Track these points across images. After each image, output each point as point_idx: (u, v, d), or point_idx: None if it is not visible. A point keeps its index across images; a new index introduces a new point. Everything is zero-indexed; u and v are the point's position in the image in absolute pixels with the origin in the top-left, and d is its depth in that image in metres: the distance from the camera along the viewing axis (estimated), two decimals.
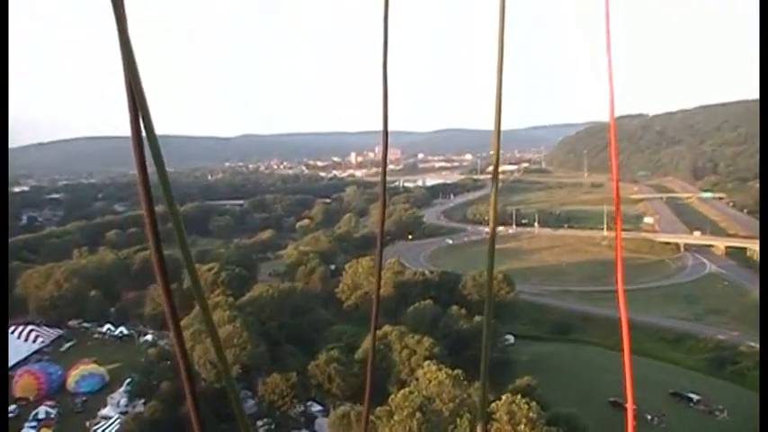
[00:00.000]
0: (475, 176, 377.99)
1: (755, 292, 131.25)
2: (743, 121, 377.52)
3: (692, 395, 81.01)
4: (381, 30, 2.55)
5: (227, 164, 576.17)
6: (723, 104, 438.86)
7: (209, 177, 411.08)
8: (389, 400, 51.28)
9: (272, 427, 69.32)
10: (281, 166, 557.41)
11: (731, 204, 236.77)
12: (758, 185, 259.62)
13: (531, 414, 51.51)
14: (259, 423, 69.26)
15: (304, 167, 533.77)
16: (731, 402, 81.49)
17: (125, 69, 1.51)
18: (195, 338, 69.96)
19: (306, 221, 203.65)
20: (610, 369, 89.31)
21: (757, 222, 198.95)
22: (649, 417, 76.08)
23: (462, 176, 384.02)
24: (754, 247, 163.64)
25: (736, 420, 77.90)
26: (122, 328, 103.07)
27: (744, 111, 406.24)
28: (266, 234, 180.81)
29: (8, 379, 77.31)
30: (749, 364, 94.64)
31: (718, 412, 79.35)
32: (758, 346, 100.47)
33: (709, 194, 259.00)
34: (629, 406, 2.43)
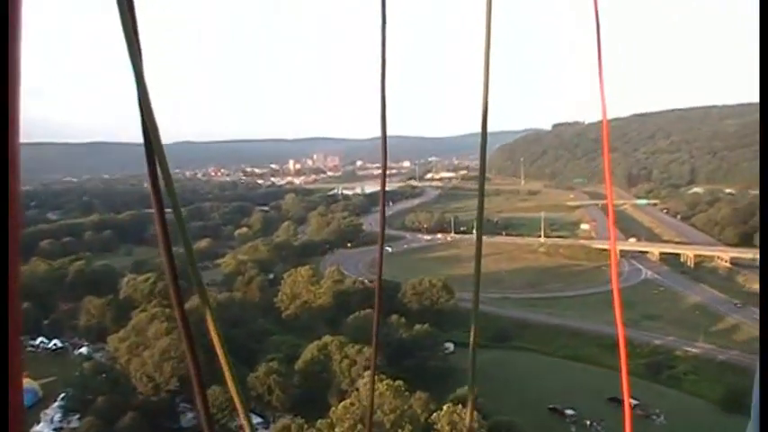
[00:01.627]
0: (414, 184, 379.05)
1: (690, 297, 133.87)
2: (675, 129, 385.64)
3: (630, 400, 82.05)
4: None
5: None
6: (656, 113, 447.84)
7: (146, 185, 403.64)
8: (330, 412, 50.92)
9: None
10: (219, 174, 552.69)
11: (665, 211, 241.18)
12: (691, 192, 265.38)
13: (472, 424, 51.55)
14: None
15: (242, 175, 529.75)
16: (668, 406, 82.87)
17: (136, 78, 1.50)
18: (131, 351, 68.78)
19: (244, 230, 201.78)
20: (548, 376, 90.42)
21: (690, 228, 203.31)
22: (588, 422, 76.97)
23: (401, 184, 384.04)
24: (687, 252, 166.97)
25: (672, 424, 79.28)
26: (56, 341, 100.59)
27: (676, 119, 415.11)
28: (204, 243, 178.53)
29: (8, 379, 74.65)
30: (685, 369, 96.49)
31: (655, 416, 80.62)
32: (693, 350, 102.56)
33: (643, 201, 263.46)
34: (626, 407, 2.29)
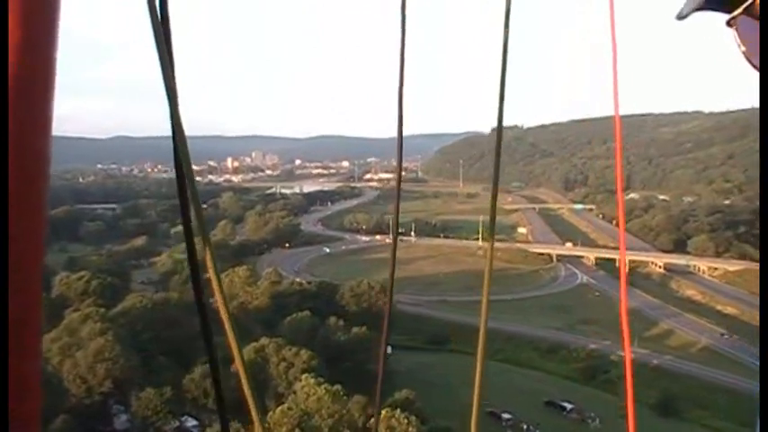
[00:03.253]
0: (352, 184, 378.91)
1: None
2: (612, 135, 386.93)
3: (565, 404, 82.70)
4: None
5: (99, 166, 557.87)
6: (594, 119, 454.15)
7: (81, 180, 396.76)
8: (268, 416, 50.02)
9: None
10: (156, 170, 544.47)
11: (600, 216, 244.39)
12: (627, 197, 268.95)
13: (410, 429, 51.27)
14: None
15: None
16: (603, 410, 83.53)
17: (164, 73, 1.52)
18: (64, 352, 66.97)
19: (181, 228, 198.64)
20: (487, 379, 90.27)
21: (626, 235, 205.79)
22: (525, 426, 77.23)
23: (340, 184, 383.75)
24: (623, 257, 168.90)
25: (607, 428, 79.95)
26: None
27: (612, 126, 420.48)
28: (140, 240, 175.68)
29: (8, 379, 71.78)
30: (619, 373, 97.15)
31: (591, 420, 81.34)
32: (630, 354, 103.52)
33: (579, 206, 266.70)
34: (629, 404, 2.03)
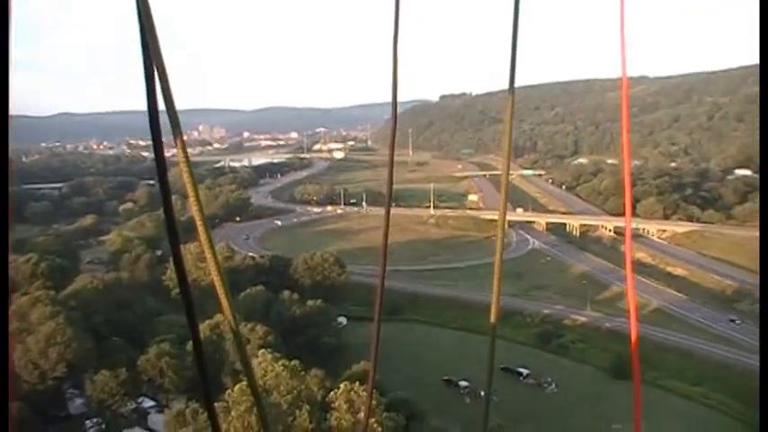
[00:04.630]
0: (301, 155, 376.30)
1: (576, 266, 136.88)
2: (559, 101, 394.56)
3: (521, 369, 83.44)
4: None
5: (42, 144, 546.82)
6: (541, 85, 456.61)
7: (24, 159, 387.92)
8: (226, 394, 49.58)
9: (103, 426, 65.84)
10: (101, 147, 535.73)
11: (550, 181, 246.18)
12: (575, 162, 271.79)
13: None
14: (88, 423, 65.85)
15: (125, 147, 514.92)
16: (558, 375, 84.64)
17: (150, 50, 1.51)
18: (14, 338, 65.61)
19: (129, 205, 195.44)
20: (441, 347, 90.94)
21: (574, 198, 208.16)
22: (483, 393, 77.58)
23: (289, 155, 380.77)
24: (572, 222, 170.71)
25: (563, 392, 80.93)
26: None
27: (560, 92, 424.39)
28: (88, 220, 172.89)
29: (8, 378, 69.66)
30: (573, 337, 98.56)
31: (547, 385, 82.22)
32: (581, 318, 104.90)
33: (529, 172, 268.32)
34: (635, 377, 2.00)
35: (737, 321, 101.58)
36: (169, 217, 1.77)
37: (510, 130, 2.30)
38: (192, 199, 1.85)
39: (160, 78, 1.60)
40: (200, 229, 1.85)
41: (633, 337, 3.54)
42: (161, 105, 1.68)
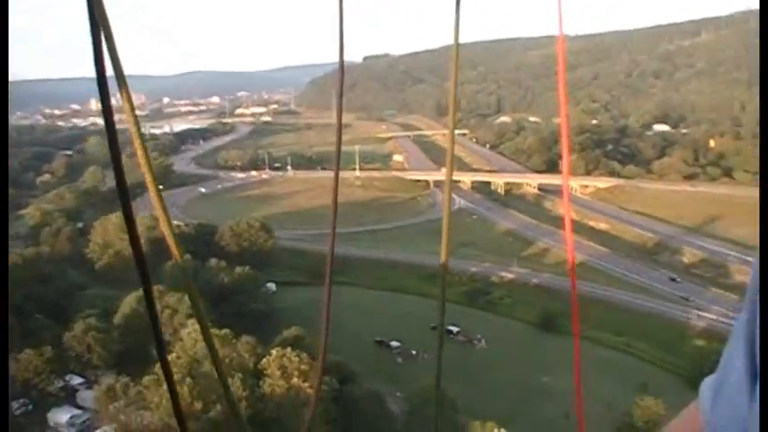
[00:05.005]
0: (224, 120, 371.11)
1: (502, 223, 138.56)
2: (481, 60, 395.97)
3: (452, 327, 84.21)
4: None
5: None
6: (464, 44, 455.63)
7: None
8: (156, 367, 49.01)
9: (30, 407, 64.36)
10: (15, 117, 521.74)
11: (474, 140, 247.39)
12: (498, 121, 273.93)
13: (302, 366, 51.15)
14: (14, 405, 64.43)
15: (40, 117, 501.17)
16: (488, 331, 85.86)
17: (96, 13, 1.44)
18: None
19: (47, 177, 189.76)
20: (372, 309, 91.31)
21: (498, 157, 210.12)
22: (414, 352, 78.43)
23: (211, 120, 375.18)
24: (497, 180, 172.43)
25: (493, 347, 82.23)
26: None
27: (482, 51, 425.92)
28: None
29: (8, 378, 67.01)
30: (501, 294, 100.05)
31: (477, 341, 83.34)
32: (508, 275, 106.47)
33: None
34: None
35: (678, 280, 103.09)
36: (125, 200, 1.63)
37: (455, 91, 2.23)
38: (144, 168, 1.72)
39: (107, 41, 1.49)
40: (155, 200, 1.74)
41: (574, 300, 3.52)
42: (109, 71, 1.57)
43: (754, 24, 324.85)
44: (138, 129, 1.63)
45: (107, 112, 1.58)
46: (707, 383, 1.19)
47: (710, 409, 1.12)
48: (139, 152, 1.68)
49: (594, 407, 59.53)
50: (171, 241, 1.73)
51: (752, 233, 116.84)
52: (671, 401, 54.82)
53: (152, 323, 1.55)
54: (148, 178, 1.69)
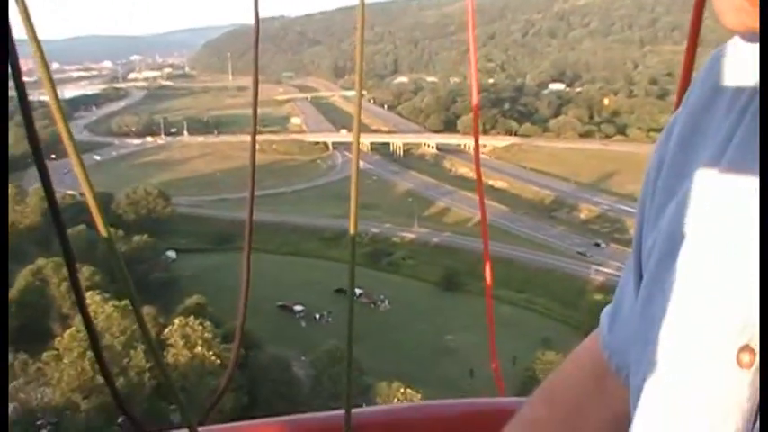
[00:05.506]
0: (116, 85, 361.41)
1: (402, 184, 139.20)
2: (378, 20, 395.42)
3: (355, 289, 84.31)
4: None
5: None
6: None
7: None
8: (56, 342, 47.81)
9: None
10: None
11: (372, 101, 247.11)
12: (395, 81, 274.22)
13: (206, 334, 50.59)
14: None
15: None
16: (390, 292, 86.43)
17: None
18: None
19: None
20: (274, 274, 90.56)
21: (396, 117, 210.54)
22: (318, 315, 78.48)
23: (104, 86, 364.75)
24: (396, 141, 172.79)
25: (396, 308, 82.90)
26: None
27: (379, 11, 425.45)
28: None
29: (8, 379, 62.63)
30: (403, 254, 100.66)
31: (380, 302, 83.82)
32: (409, 235, 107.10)
33: (351, 92, 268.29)
34: None
35: (588, 254, 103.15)
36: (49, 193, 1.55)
37: (361, 54, 1.93)
38: (64, 137, 1.58)
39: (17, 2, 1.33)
40: (78, 170, 1.63)
41: (488, 277, 3.44)
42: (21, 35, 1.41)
43: None
44: (56, 95, 1.54)
45: (17, 78, 1.42)
46: (605, 311, 1.31)
47: (607, 332, 1.23)
48: (59, 122, 1.57)
49: (499, 362, 60.51)
50: (96, 214, 1.69)
51: None
52: None
53: (78, 302, 1.56)
54: (69, 149, 1.59)
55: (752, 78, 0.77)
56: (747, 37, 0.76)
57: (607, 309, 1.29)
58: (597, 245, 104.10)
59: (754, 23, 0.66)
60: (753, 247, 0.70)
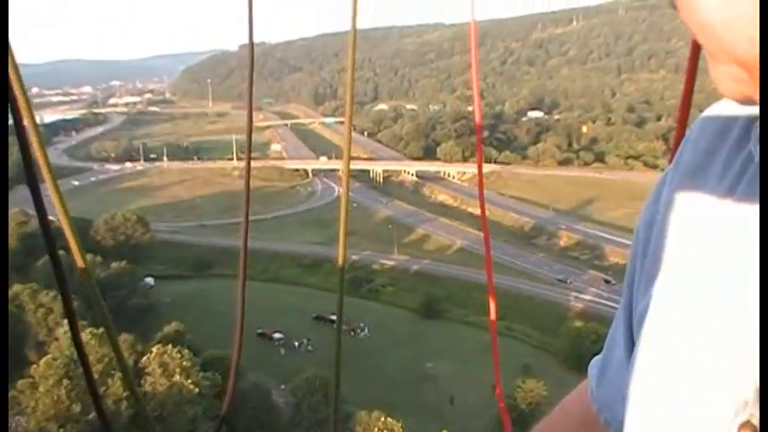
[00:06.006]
0: (96, 110, 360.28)
1: (381, 211, 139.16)
2: (358, 47, 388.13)
3: (333, 317, 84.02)
4: None
5: None
6: (340, 33, 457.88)
7: None
8: (32, 369, 47.18)
9: None
10: None
11: (352, 128, 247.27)
12: (375, 109, 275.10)
13: (184, 362, 50.07)
14: None
15: None
16: (370, 319, 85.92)
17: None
18: None
19: None
20: (253, 300, 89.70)
21: (376, 144, 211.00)
22: (297, 343, 78.05)
23: (83, 111, 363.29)
24: (375, 168, 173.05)
25: (376, 335, 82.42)
26: None
27: (360, 38, 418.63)
28: None
29: (8, 379, 61.20)
30: (383, 281, 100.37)
31: (360, 330, 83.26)
32: (389, 262, 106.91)
33: (331, 120, 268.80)
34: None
35: (612, 282, 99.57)
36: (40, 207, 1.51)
37: (352, 80, 2.24)
38: (41, 161, 1.57)
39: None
40: (53, 195, 1.62)
41: (492, 312, 3.53)
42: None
43: (623, 13, 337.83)
44: (33, 117, 1.49)
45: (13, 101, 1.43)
46: (594, 363, 1.26)
47: (596, 386, 1.21)
48: (36, 146, 1.53)
49: (480, 390, 60.45)
50: (72, 242, 1.65)
51: (624, 215, 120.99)
52: (551, 382, 56.19)
53: (70, 326, 1.56)
54: (45, 173, 1.56)
55: (745, 143, 0.76)
56: (743, 102, 0.73)
57: (596, 360, 1.26)
58: (577, 272, 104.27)
59: (753, 93, 0.65)
60: (753, 319, 0.68)
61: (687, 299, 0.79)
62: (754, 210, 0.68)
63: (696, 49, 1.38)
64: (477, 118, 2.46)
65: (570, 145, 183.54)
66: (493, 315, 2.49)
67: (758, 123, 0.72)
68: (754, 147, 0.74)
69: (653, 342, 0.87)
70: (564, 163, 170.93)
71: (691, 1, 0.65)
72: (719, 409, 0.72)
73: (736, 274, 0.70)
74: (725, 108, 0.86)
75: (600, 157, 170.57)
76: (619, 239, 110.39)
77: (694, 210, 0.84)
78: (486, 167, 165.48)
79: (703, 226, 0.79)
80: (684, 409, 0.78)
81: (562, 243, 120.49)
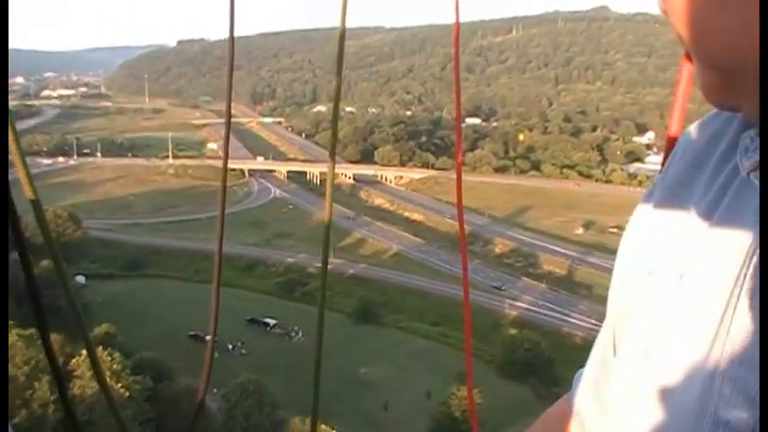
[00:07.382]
0: (28, 102, 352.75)
1: (318, 214, 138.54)
2: (298, 48, 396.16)
3: (268, 320, 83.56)
4: None
5: None
6: (280, 32, 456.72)
7: None
8: None
9: None
10: None
11: (290, 129, 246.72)
12: (314, 110, 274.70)
13: (114, 365, 49.08)
14: None
15: None
16: (305, 323, 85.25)
17: None
18: None
19: None
20: (185, 302, 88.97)
21: (314, 146, 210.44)
22: (230, 346, 77.12)
23: (15, 102, 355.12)
24: (313, 170, 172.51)
25: (310, 339, 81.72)
26: None
27: (300, 39, 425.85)
28: None
29: (8, 379, 57.54)
30: (318, 285, 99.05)
31: (294, 333, 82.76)
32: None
33: (269, 120, 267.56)
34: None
35: (503, 288, 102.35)
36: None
37: (339, 85, 1.91)
38: (15, 156, 1.42)
39: None
40: (29, 193, 1.55)
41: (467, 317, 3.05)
42: None
43: (562, 25, 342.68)
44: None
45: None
46: (578, 375, 1.26)
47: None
48: (11, 140, 1.35)
49: (413, 397, 60.58)
50: (49, 241, 1.62)
51: (558, 224, 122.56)
52: (485, 389, 56.33)
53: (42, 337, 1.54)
54: (21, 171, 1.50)
55: (732, 155, 0.76)
56: (729, 110, 0.76)
57: (580, 372, 1.26)
58: (512, 279, 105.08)
59: (739, 102, 0.68)
60: (733, 335, 0.69)
61: (670, 312, 0.80)
62: (736, 225, 0.69)
63: (689, 60, 1.37)
64: (454, 114, 2.23)
65: (507, 152, 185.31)
66: (467, 333, 2.29)
67: (744, 135, 0.72)
68: (740, 159, 0.74)
69: (632, 346, 0.89)
70: (500, 170, 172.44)
71: (679, 10, 0.66)
72: (690, 412, 0.74)
73: (718, 291, 0.71)
74: (714, 120, 0.86)
75: (536, 166, 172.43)
76: (553, 247, 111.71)
77: (677, 224, 0.84)
78: (423, 172, 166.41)
79: (686, 240, 0.79)
80: (659, 410, 0.80)
81: (497, 250, 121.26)
